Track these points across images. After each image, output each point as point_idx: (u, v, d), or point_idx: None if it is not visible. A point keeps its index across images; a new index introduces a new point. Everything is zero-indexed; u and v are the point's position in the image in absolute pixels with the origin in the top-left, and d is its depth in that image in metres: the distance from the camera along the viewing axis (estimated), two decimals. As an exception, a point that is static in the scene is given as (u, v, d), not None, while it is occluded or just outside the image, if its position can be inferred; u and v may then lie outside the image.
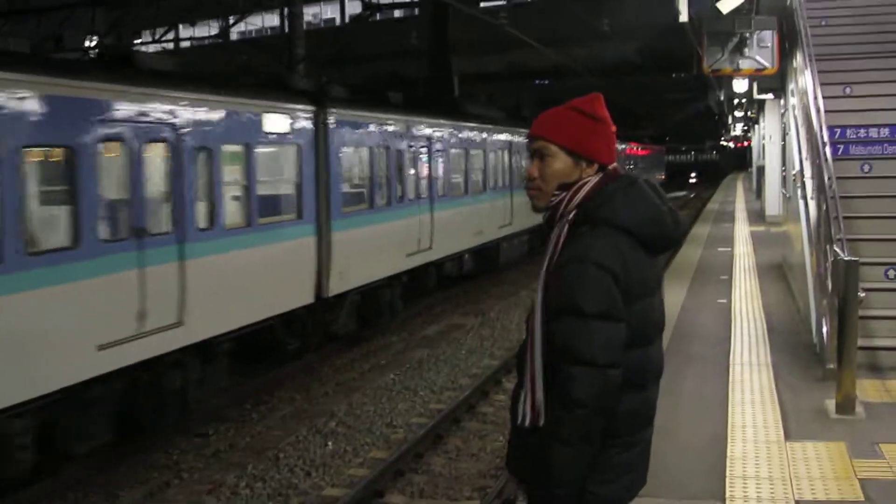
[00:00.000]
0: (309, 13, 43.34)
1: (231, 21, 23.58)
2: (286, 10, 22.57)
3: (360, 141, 15.66)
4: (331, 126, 14.31)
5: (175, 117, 10.50)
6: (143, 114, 9.99)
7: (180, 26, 38.23)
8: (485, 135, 22.51)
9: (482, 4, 28.04)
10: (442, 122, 19.80)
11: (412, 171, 17.78)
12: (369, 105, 16.62)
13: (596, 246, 2.83)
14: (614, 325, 2.79)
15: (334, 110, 14.49)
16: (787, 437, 6.92)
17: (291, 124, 13.39)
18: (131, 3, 21.81)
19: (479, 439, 10.75)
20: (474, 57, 31.63)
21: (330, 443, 10.59)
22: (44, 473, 9.31)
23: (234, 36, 42.78)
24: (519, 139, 24.80)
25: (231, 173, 11.94)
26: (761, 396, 8.04)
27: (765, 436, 6.93)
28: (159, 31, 25.78)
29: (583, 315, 2.76)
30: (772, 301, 13.08)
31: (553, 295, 2.86)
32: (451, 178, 20.10)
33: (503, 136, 23.97)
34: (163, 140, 10.34)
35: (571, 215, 2.95)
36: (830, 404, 7.55)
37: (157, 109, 10.24)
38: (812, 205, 10.17)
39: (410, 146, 17.70)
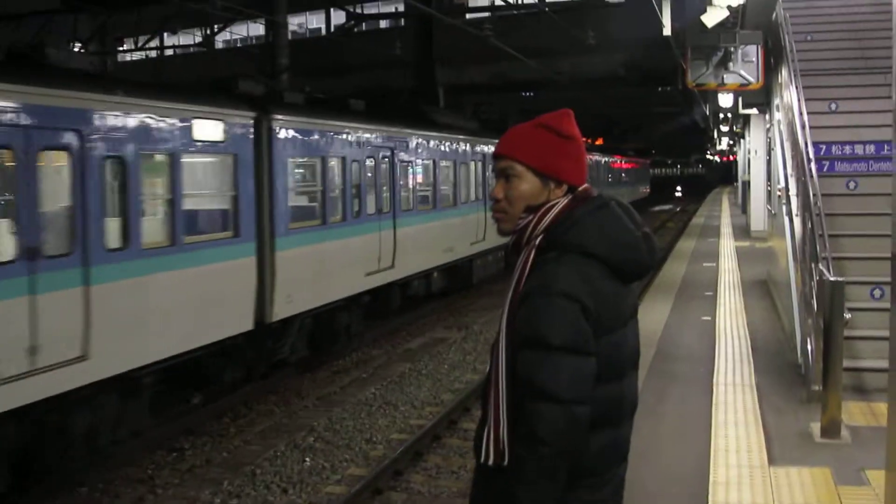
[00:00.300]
0: (294, 23, 43.26)
1: (215, 29, 23.35)
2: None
3: (311, 151, 14.38)
4: (276, 134, 13.06)
5: (80, 122, 9.34)
6: (39, 117, 8.82)
7: (165, 34, 38.06)
8: (456, 146, 21.29)
9: (467, 16, 27.93)
10: (407, 131, 18.30)
11: (372, 185, 16.55)
12: (323, 112, 15.26)
13: (563, 274, 2.64)
14: (582, 359, 2.61)
15: (280, 117, 13.22)
16: (772, 461, 6.80)
17: (227, 131, 11.96)
18: (113, 10, 21.60)
19: (459, 457, 10.59)
20: (459, 68, 31.56)
21: (308, 459, 10.42)
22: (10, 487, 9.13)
23: (219, 45, 42.66)
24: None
25: (151, 186, 10.77)
26: (745, 418, 7.92)
27: (748, 460, 6.81)
28: (144, 38, 25.56)
29: (548, 347, 2.58)
30: (756, 319, 12.99)
31: (518, 325, 2.68)
32: (417, 192, 18.83)
33: (476, 148, 22.75)
34: (63, 147, 9.19)
35: (538, 240, 2.77)
36: (815, 428, 7.44)
37: (57, 112, 9.12)
38: (797, 222, 10.07)
39: (370, 157, 16.39)
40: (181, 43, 38.01)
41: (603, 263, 2.70)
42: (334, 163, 15.10)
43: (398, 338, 17.62)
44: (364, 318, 16.46)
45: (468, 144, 22.13)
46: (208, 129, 11.57)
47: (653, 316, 13.32)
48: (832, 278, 7.45)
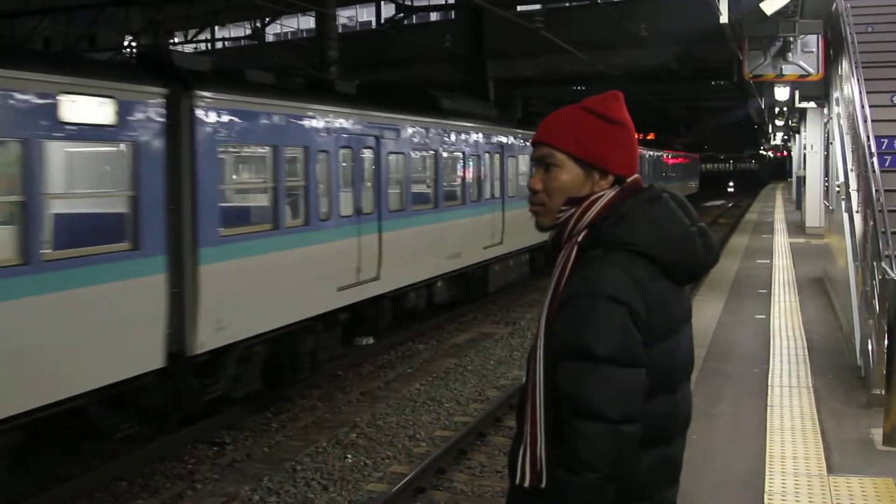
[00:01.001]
0: (345, 16, 43.23)
1: (265, 21, 23.30)
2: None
3: (257, 138, 11.51)
4: (201, 116, 10.13)
5: None
6: None
7: (216, 27, 38.21)
8: (465, 135, 18.29)
9: (518, 8, 27.60)
10: (398, 117, 15.15)
11: (350, 181, 13.56)
12: (274, 91, 12.04)
13: (610, 274, 2.36)
14: (631, 371, 2.32)
15: (208, 95, 10.25)
16: (830, 470, 6.46)
17: (120, 112, 9.04)
18: (164, 2, 21.63)
19: (503, 455, 10.34)
20: (509, 61, 31.25)
21: (350, 455, 10.25)
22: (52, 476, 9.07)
23: (270, 38, 42.77)
24: (514, 141, 21.21)
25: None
26: (802, 424, 7.57)
27: (806, 469, 6.48)
28: (195, 31, 25.62)
29: (593, 358, 2.29)
30: (813, 318, 12.58)
31: (558, 333, 2.38)
32: (411, 190, 15.72)
33: (493, 139, 19.84)
34: None
35: (581, 236, 2.49)
36: (877, 434, 7.07)
37: None
38: (858, 218, 9.69)
39: (346, 147, 13.39)
40: (233, 35, 38.12)
41: (654, 262, 2.42)
42: (293, 153, 12.13)
43: (444, 332, 17.42)
44: (342, 338, 13.98)
45: (481, 134, 19.14)
46: (89, 109, 8.80)
47: (705, 313, 12.98)
48: (894, 276, 7.07)
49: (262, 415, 11.88)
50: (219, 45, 35.10)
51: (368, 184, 14.14)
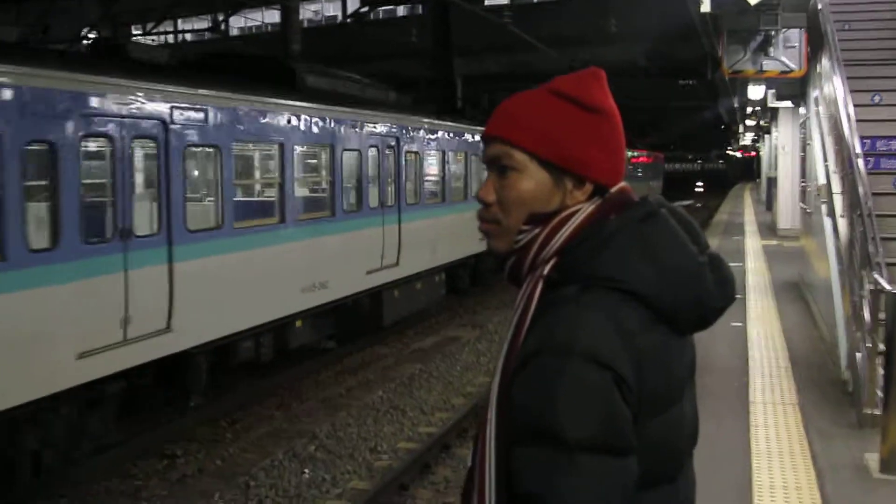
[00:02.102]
0: (311, 9, 42.64)
1: (227, 14, 22.67)
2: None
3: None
4: None
5: None
6: None
7: (179, 20, 37.50)
8: (338, 125, 13.97)
9: (486, 3, 27.16)
10: (200, 94, 10.69)
11: (154, 188, 10.00)
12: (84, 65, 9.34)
13: (587, 323, 1.68)
14: (615, 461, 1.64)
15: None
16: (825, 502, 5.95)
17: None
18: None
19: (469, 470, 9.86)
20: (477, 58, 30.82)
21: (307, 470, 9.76)
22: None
23: (234, 31, 42.12)
24: (418, 134, 17.24)
25: None
26: (789, 447, 7.03)
27: (798, 501, 5.94)
28: (163, 22, 24.96)
29: (562, 444, 1.61)
30: (791, 325, 12.12)
31: (515, 405, 1.69)
32: (231, 199, 11.27)
33: (383, 128, 15.61)
34: None
35: (548, 267, 1.81)
36: (872, 460, 6.54)
37: None
38: (842, 222, 9.24)
39: (94, 137, 9.20)
40: (197, 28, 37.46)
41: (650, 306, 1.75)
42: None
43: (408, 336, 16.91)
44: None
45: (366, 123, 14.87)
46: None
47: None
48: (892, 289, 6.58)
49: (216, 424, 11.35)
50: (179, 38, 34.32)
51: (145, 195, 10.10)
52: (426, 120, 17.93)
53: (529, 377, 1.66)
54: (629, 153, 48.10)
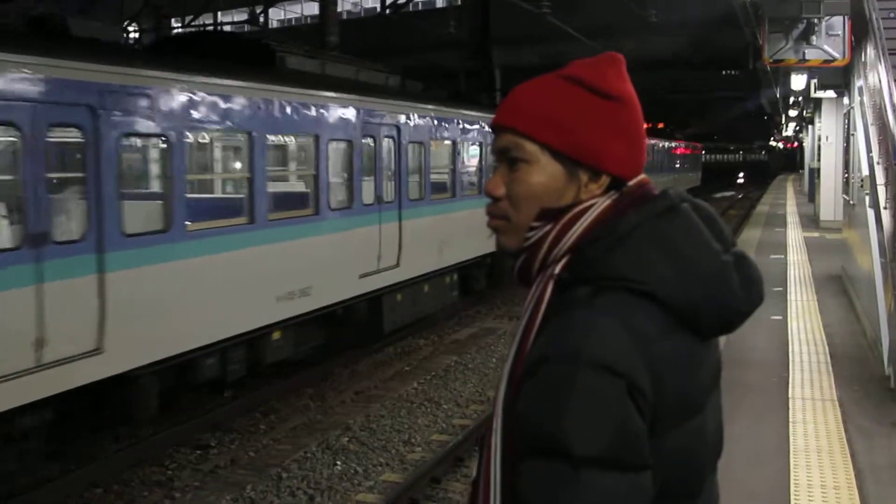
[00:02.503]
0: (350, 0, 42.66)
1: (263, 7, 22.70)
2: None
3: None
4: None
5: None
6: None
7: (219, 12, 37.68)
8: (324, 110, 12.42)
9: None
10: (141, 75, 9.18)
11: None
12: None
13: (600, 328, 1.56)
14: (629, 478, 1.52)
15: None
16: (864, 503, 5.79)
17: None
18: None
19: (503, 464, 9.77)
20: (516, 49, 30.63)
21: (339, 462, 9.70)
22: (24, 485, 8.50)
23: (274, 24, 42.26)
24: (422, 121, 15.42)
25: None
26: (829, 444, 6.87)
27: (836, 501, 5.79)
28: (192, 16, 25.04)
29: (570, 459, 1.49)
30: (833, 320, 11.90)
31: (521, 415, 1.57)
32: (184, 196, 9.76)
33: (380, 118, 13.89)
34: None
35: (559, 267, 1.69)
36: (916, 458, 6.40)
37: None
38: (886, 215, 9.01)
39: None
40: (236, 20, 37.66)
41: (668, 309, 1.62)
42: None
43: (446, 328, 16.84)
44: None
45: (358, 110, 13.18)
46: None
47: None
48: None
49: (251, 415, 11.33)
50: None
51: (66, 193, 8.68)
52: (432, 107, 16.01)
53: (536, 386, 1.55)
54: (667, 144, 46.95)
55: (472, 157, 17.89)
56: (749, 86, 39.38)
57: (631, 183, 1.74)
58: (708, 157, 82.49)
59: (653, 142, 41.83)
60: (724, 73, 39.57)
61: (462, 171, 17.25)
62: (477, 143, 17.92)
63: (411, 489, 8.83)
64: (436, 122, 15.99)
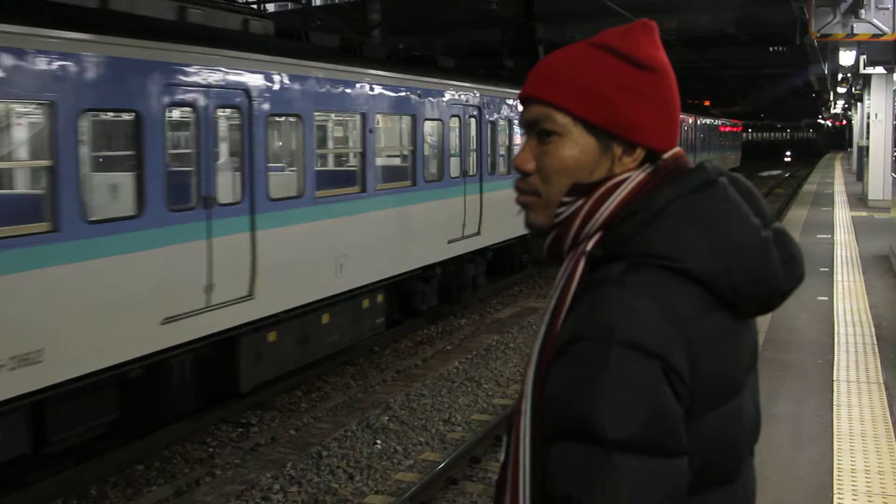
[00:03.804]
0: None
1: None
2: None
3: None
4: None
5: None
6: None
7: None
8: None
9: (570, -31, 26.81)
10: None
11: None
12: None
13: (634, 307, 1.49)
14: (664, 463, 1.46)
15: None
16: (909, 488, 5.68)
17: None
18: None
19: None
20: (559, 24, 30.40)
21: (379, 441, 9.73)
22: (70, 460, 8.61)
23: (318, 1, 42.26)
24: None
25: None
26: (873, 428, 6.74)
27: (880, 487, 5.66)
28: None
29: (603, 443, 1.44)
30: (880, 301, 11.70)
31: (551, 397, 1.51)
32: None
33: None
34: None
35: (591, 243, 1.62)
36: (962, 444, 6.26)
37: None
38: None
39: None
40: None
41: (706, 287, 1.55)
42: None
43: (487, 307, 16.83)
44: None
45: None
46: None
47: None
48: None
49: (292, 393, 11.39)
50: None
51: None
52: (364, 71, 12.52)
53: (568, 366, 1.49)
54: (700, 120, 44.07)
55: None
56: (796, 62, 38.79)
57: (666, 156, 1.67)
58: (753, 134, 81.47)
59: (682, 117, 39.78)
60: (770, 49, 38.97)
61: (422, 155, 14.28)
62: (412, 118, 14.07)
63: (451, 469, 8.82)
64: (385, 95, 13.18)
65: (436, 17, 28.45)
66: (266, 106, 10.24)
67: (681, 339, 1.50)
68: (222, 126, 10.41)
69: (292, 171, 11.41)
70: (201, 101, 9.28)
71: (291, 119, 11.15)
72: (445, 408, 10.87)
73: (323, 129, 13.41)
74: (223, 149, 10.49)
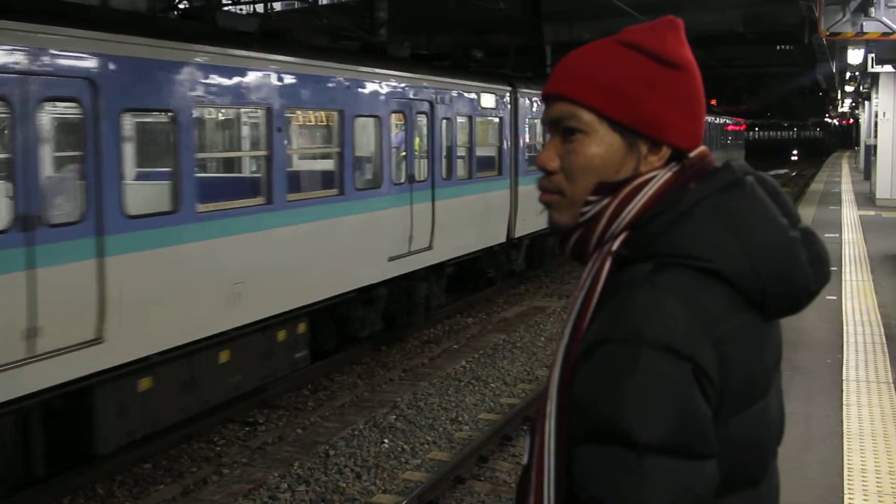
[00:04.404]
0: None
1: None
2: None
3: None
4: None
5: None
6: None
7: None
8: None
9: (577, -32, 26.74)
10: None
11: None
12: None
13: (662, 308, 1.48)
14: (693, 465, 1.45)
15: None
16: (919, 488, 5.65)
17: None
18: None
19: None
20: (567, 25, 30.33)
21: (387, 440, 9.72)
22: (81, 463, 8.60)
23: (324, 0, 42.21)
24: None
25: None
26: (883, 428, 6.71)
27: (892, 488, 5.64)
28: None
29: (631, 445, 1.42)
30: (889, 300, 11.66)
31: (578, 399, 1.50)
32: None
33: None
34: None
35: (617, 243, 1.62)
36: (974, 445, 6.23)
37: None
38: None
39: None
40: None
41: (733, 287, 1.55)
42: None
43: (494, 306, 16.83)
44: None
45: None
46: None
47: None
48: None
49: (299, 392, 11.41)
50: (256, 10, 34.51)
51: None
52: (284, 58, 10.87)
53: (594, 368, 1.48)
54: (708, 119, 43.69)
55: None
56: (804, 61, 38.71)
57: (692, 155, 1.66)
58: (759, 133, 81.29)
59: None
60: (778, 47, 38.88)
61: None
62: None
63: (458, 468, 8.80)
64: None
65: (443, 14, 28.41)
66: (119, 99, 8.14)
67: (710, 340, 1.49)
68: (52, 125, 8.65)
69: (164, 180, 9.23)
70: (15, 91, 7.16)
71: (159, 115, 9.30)
72: (453, 407, 10.86)
73: (208, 127, 11.68)
74: (49, 153, 8.32)
